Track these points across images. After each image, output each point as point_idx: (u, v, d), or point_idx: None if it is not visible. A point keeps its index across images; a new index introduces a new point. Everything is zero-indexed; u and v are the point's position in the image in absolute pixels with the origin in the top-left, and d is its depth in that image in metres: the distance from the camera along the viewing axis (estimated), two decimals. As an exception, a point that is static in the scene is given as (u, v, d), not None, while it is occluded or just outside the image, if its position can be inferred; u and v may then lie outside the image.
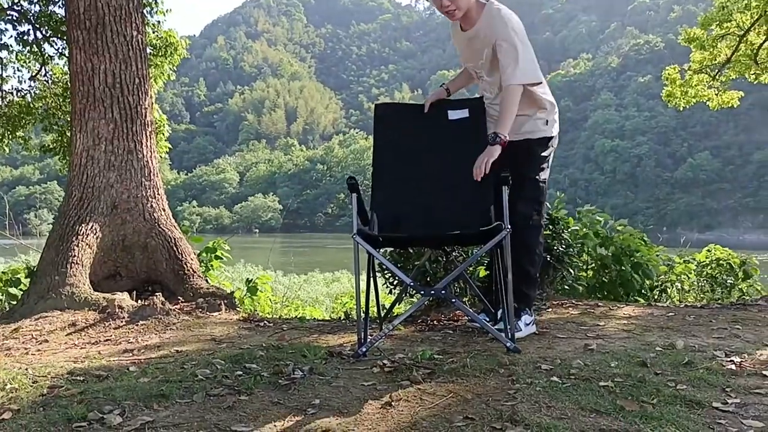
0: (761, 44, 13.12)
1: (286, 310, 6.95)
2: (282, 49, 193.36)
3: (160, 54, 9.47)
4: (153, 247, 4.90)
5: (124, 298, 4.35)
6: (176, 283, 4.85)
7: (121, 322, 3.97)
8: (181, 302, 4.50)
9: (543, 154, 3.46)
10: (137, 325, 3.92)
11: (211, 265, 6.51)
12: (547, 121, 3.45)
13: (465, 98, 3.57)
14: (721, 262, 6.74)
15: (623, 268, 5.14)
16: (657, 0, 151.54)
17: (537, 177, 3.44)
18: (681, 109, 14.97)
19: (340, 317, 4.72)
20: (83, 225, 4.68)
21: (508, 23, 3.26)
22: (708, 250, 7.04)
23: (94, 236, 4.69)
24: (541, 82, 3.35)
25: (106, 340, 3.63)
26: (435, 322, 3.83)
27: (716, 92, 14.06)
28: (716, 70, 14.05)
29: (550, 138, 3.48)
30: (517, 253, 3.11)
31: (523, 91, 3.27)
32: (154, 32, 9.46)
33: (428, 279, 4.09)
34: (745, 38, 13.29)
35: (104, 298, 4.29)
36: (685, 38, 14.21)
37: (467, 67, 3.62)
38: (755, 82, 14.22)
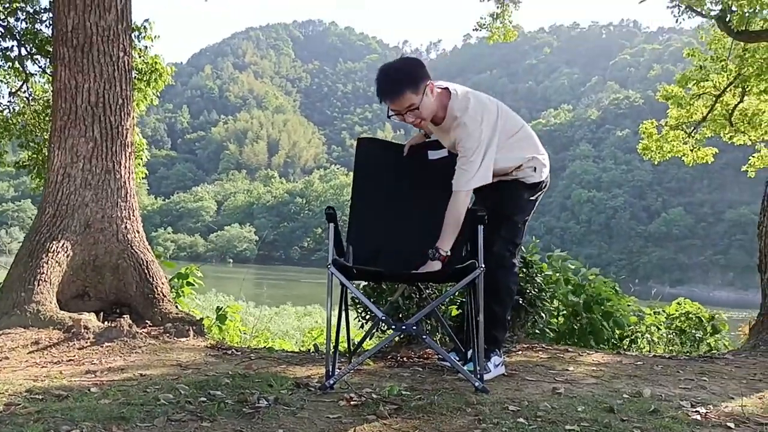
0: (736, 105, 13.50)
1: (255, 340, 6.87)
2: (268, 82, 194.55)
3: (144, 79, 9.48)
4: (124, 269, 4.83)
5: (90, 319, 4.28)
6: (145, 307, 4.77)
7: (86, 342, 3.90)
8: (149, 326, 4.43)
9: (530, 198, 3.46)
10: (102, 346, 3.85)
11: (182, 292, 6.43)
12: (535, 168, 3.42)
13: None
14: (690, 315, 6.80)
15: (594, 316, 5.16)
16: (638, 57, 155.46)
17: (516, 218, 3.44)
18: (656, 162, 15.29)
19: (309, 349, 4.68)
20: (54, 242, 4.62)
21: (469, 126, 3.18)
22: (678, 303, 7.11)
23: (65, 254, 4.62)
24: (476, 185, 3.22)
25: (69, 360, 3.55)
26: (405, 358, 3.81)
27: (691, 148, 14.40)
28: (692, 128, 14.42)
29: (540, 182, 3.47)
30: (487, 294, 3.04)
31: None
32: (140, 57, 9.48)
33: (400, 315, 4.07)
34: (721, 98, 13.67)
35: (70, 317, 4.21)
36: (663, 95, 14.60)
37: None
38: (729, 142, 14.59)
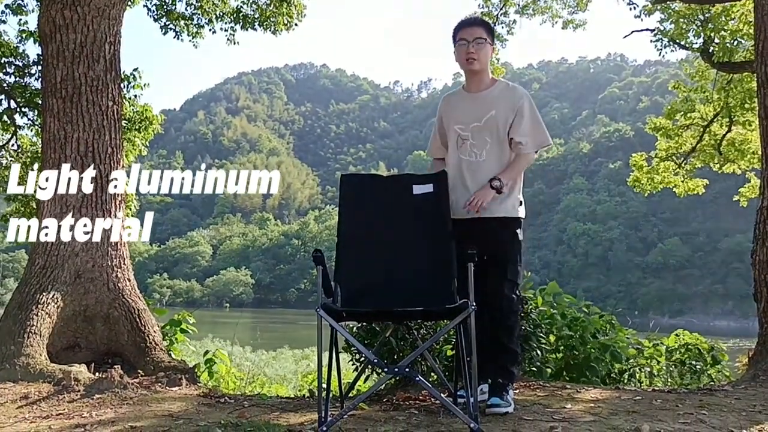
0: (724, 135, 13.61)
1: (251, 386, 6.79)
2: (261, 125, 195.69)
3: (134, 128, 9.52)
4: (115, 318, 4.80)
5: (81, 371, 4.22)
6: (137, 356, 4.73)
7: (76, 395, 3.84)
8: (141, 376, 4.37)
9: (521, 238, 3.59)
10: (92, 398, 3.79)
11: (176, 339, 6.36)
12: (521, 201, 3.64)
13: (430, 173, 3.67)
14: (689, 347, 6.74)
15: (590, 349, 5.10)
16: (626, 90, 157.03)
17: (518, 259, 3.57)
18: (646, 194, 15.36)
19: (304, 395, 4.61)
20: (44, 294, 4.59)
21: (526, 93, 3.67)
22: (676, 335, 7.06)
23: (55, 305, 4.59)
24: (550, 144, 3.84)
25: (59, 414, 3.49)
26: (400, 401, 3.75)
27: (682, 179, 14.48)
28: (682, 159, 14.52)
29: (522, 219, 3.62)
30: (504, 335, 3.42)
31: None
32: (130, 106, 9.53)
33: (395, 356, 4.03)
34: (708, 129, 13.80)
35: (60, 370, 4.16)
36: (652, 127, 14.73)
37: (455, 128, 3.66)
38: (720, 172, 14.68)
